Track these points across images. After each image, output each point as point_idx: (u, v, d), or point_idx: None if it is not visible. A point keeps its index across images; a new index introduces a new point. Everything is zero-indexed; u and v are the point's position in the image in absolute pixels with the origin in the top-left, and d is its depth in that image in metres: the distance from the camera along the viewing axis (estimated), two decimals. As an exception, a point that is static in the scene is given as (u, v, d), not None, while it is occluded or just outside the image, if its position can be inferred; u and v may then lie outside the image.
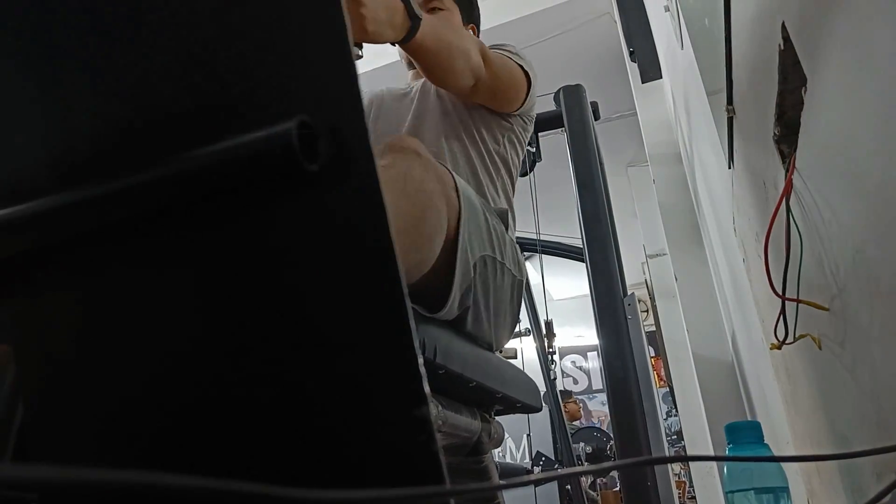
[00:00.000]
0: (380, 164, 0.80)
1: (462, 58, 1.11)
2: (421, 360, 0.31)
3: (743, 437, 0.68)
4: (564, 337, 6.09)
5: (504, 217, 1.18)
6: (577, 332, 6.64)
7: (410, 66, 1.44)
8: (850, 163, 0.54)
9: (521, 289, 1.19)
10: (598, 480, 4.32)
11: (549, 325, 3.06)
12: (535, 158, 2.77)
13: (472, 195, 1.01)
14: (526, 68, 1.28)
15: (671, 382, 3.16)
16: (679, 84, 1.99)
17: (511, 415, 1.26)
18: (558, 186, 3.11)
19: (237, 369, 0.34)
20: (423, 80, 1.39)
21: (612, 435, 3.24)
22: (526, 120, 1.38)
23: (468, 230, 0.94)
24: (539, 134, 2.75)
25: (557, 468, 3.35)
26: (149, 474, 0.20)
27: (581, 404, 5.71)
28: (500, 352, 1.19)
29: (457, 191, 0.94)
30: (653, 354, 4.42)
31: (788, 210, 0.74)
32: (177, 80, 0.37)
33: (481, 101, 1.28)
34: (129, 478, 0.20)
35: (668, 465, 2.32)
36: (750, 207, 1.09)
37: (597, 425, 5.84)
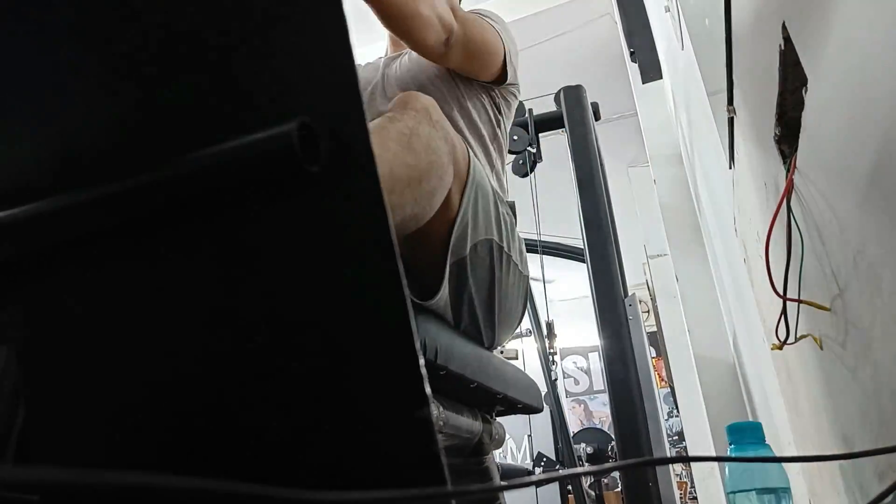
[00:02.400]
0: (388, 115, 0.79)
1: (425, 3, 0.98)
2: (422, 362, 0.31)
3: (744, 438, 0.68)
4: (565, 338, 6.08)
5: (513, 209, 1.13)
6: (579, 332, 6.63)
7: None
8: (852, 163, 0.54)
9: (528, 286, 1.16)
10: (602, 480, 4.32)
11: (550, 325, 3.06)
12: (535, 159, 2.78)
13: (483, 175, 0.97)
14: (501, 33, 1.18)
15: (672, 383, 3.16)
16: (680, 84, 1.99)
17: (512, 415, 1.26)
18: (559, 187, 3.11)
19: (239, 371, 0.34)
20: (397, 55, 1.28)
21: (613, 436, 3.24)
22: (509, 98, 1.26)
23: (473, 206, 0.91)
24: (539, 134, 2.76)
25: (559, 469, 3.35)
26: (150, 475, 0.20)
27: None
28: (502, 352, 1.18)
29: (469, 163, 0.90)
30: (654, 355, 4.42)
31: (789, 210, 0.74)
32: (178, 82, 0.37)
33: (455, 64, 1.14)
34: (130, 479, 0.20)
35: (670, 465, 2.32)
36: (751, 208, 1.09)
37: (598, 426, 5.84)
